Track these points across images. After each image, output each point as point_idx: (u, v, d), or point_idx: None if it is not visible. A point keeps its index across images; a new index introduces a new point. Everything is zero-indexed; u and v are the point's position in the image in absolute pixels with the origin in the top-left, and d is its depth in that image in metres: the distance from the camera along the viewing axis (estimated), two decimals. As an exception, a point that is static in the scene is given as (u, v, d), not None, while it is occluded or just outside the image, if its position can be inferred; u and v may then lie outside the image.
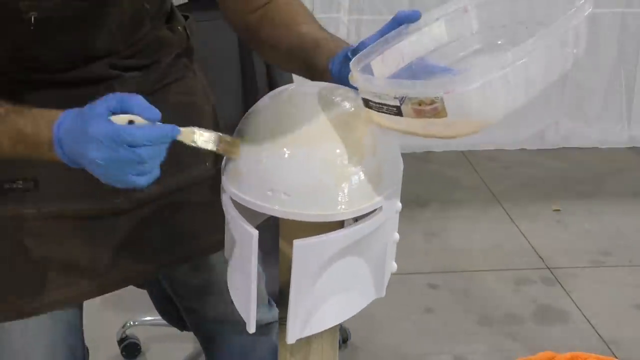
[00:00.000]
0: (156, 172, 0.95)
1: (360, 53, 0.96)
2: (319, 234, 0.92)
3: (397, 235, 1.02)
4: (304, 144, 0.91)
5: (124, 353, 2.35)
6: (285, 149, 0.91)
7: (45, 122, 0.98)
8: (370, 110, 0.92)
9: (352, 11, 3.57)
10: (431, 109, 0.84)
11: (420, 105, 0.84)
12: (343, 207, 0.91)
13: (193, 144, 0.95)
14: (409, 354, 2.39)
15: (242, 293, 0.99)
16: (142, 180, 0.94)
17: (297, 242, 0.91)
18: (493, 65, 0.83)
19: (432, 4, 4.32)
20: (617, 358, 1.50)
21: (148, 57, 1.26)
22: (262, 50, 1.25)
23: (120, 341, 2.35)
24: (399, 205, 0.99)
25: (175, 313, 1.89)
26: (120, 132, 0.91)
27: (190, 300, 1.49)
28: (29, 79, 1.15)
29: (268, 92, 1.03)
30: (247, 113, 1.00)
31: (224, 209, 1.00)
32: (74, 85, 1.18)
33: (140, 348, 2.36)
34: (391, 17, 1.03)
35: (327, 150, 0.91)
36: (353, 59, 0.94)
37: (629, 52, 3.80)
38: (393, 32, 1.00)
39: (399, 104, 0.86)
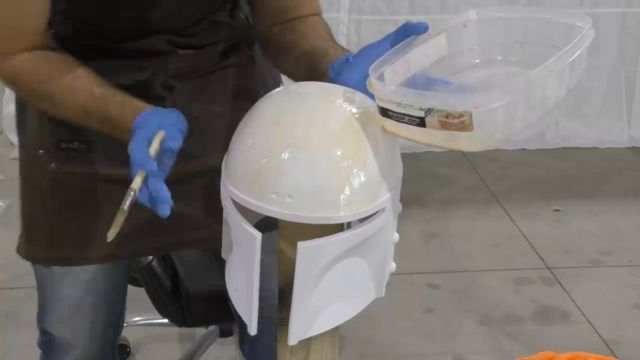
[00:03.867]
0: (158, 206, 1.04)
1: (377, 62, 0.97)
2: (319, 235, 0.92)
3: (396, 236, 1.02)
4: (309, 146, 0.91)
5: None
6: (289, 151, 0.91)
7: (131, 112, 1.10)
8: (387, 119, 0.92)
9: (352, 11, 3.58)
10: (459, 122, 0.85)
11: (447, 117, 0.85)
12: (347, 209, 0.91)
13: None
14: (409, 354, 2.39)
15: (243, 295, 0.99)
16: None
17: (301, 244, 0.91)
18: (517, 83, 0.86)
19: (433, 5, 4.30)
20: (617, 358, 1.50)
21: (205, 39, 1.32)
22: (274, 55, 1.32)
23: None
24: (400, 206, 1.00)
25: (175, 310, 1.89)
26: (138, 162, 1.02)
27: None
28: (94, 46, 1.26)
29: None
30: (248, 112, 1.00)
31: (223, 209, 1.00)
32: (131, 56, 1.27)
33: (129, 350, 2.34)
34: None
35: (331, 152, 0.91)
36: (371, 67, 0.95)
37: (629, 52, 3.80)
38: (402, 43, 1.02)
39: (423, 115, 0.87)
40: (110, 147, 1.28)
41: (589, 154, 3.83)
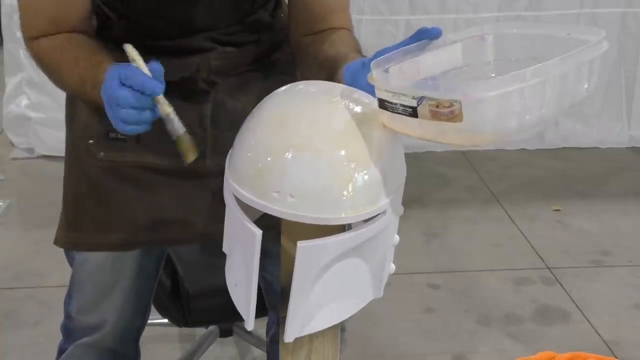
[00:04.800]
0: (140, 128, 1.09)
1: (380, 58, 0.98)
2: (322, 234, 0.93)
3: (397, 238, 1.02)
4: (312, 147, 0.91)
5: None
6: (293, 151, 0.91)
7: (103, 70, 1.15)
8: (384, 112, 0.92)
9: (352, 11, 3.57)
10: (448, 111, 0.85)
11: (437, 107, 0.85)
12: (349, 210, 0.91)
13: (164, 117, 1.09)
14: (408, 354, 2.39)
15: (242, 290, 0.99)
16: (125, 128, 1.09)
17: (300, 244, 0.91)
18: (512, 78, 0.85)
19: (433, 5, 4.27)
20: (617, 358, 1.50)
21: (246, 37, 1.39)
22: (301, 63, 1.37)
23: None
24: (402, 208, 1.00)
25: (175, 310, 1.89)
26: (115, 69, 1.08)
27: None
28: (143, 44, 1.31)
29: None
30: (253, 110, 1.00)
31: (225, 203, 1.00)
32: (176, 54, 1.34)
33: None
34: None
35: (335, 153, 0.91)
36: (373, 62, 0.96)
37: (629, 52, 3.80)
38: (413, 46, 1.02)
39: (416, 105, 0.87)
40: (157, 139, 1.31)
41: (589, 154, 3.83)
